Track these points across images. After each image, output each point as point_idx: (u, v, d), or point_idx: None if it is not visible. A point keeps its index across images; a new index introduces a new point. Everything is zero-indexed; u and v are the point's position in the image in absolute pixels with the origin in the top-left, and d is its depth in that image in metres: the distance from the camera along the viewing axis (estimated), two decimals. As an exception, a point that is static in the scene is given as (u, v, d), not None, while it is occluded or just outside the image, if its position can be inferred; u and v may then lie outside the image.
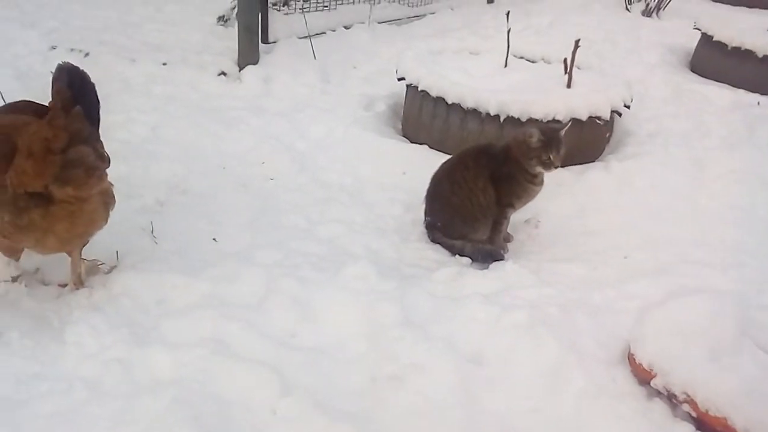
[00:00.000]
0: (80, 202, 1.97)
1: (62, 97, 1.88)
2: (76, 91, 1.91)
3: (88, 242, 2.20)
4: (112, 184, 2.17)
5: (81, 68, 1.98)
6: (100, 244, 2.39)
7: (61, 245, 2.08)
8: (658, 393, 1.73)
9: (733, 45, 4.62)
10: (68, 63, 1.96)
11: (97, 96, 2.04)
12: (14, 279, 2.19)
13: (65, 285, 2.23)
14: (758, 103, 4.20)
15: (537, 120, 3.18)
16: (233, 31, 4.63)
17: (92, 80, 2.03)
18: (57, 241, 2.03)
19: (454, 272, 2.47)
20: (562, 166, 3.03)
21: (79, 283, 2.22)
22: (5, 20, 5.05)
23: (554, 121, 3.16)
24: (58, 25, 5.09)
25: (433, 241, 2.81)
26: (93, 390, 1.78)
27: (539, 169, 2.63)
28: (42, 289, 2.23)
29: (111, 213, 2.18)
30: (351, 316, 2.11)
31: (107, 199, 2.12)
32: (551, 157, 2.59)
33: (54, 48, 4.55)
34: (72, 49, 4.51)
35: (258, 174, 3.28)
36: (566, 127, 2.66)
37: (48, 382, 1.80)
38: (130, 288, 2.20)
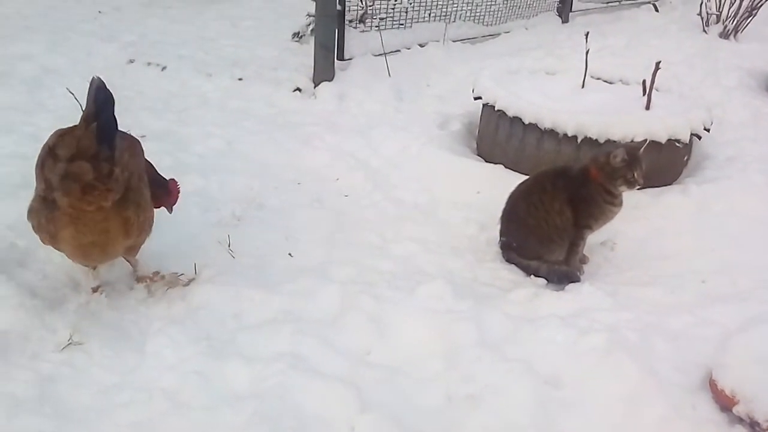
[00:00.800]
0: (84, 213, 1.97)
1: (87, 112, 1.91)
2: (99, 107, 1.90)
3: (134, 252, 2.27)
4: (143, 206, 2.14)
5: (106, 86, 1.94)
6: (178, 257, 2.52)
7: (76, 253, 2.10)
8: (740, 420, 1.73)
9: (815, 68, 4.50)
10: (99, 79, 1.94)
11: (114, 118, 1.95)
12: (94, 290, 2.27)
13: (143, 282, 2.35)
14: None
15: (615, 141, 3.20)
16: (308, 47, 4.77)
17: (113, 102, 1.95)
18: (70, 248, 2.07)
19: (530, 293, 2.50)
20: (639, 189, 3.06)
21: (142, 279, 2.34)
22: (85, 34, 5.33)
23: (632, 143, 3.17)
24: (136, 39, 5.33)
25: (508, 261, 2.85)
26: (172, 401, 1.83)
27: (623, 188, 2.66)
28: (122, 300, 2.30)
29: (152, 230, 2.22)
30: (426, 335, 2.14)
31: (130, 215, 2.07)
32: (635, 175, 2.62)
33: (132, 61, 4.78)
34: (149, 63, 4.74)
35: (332, 190, 3.37)
36: (645, 146, 2.69)
37: (128, 392, 1.86)
38: (207, 301, 2.28)
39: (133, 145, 2.20)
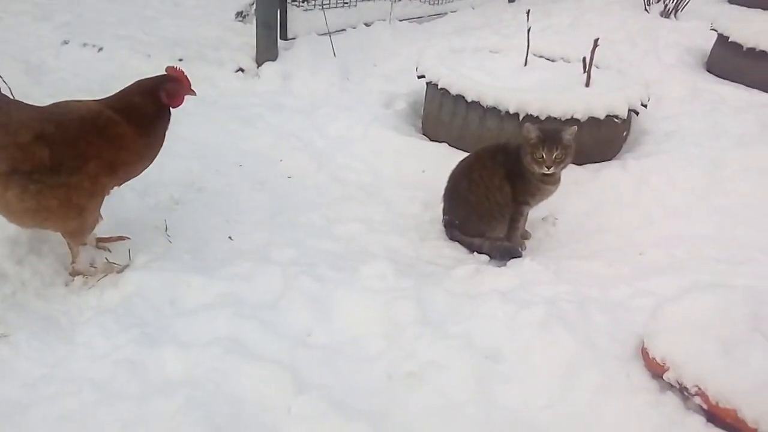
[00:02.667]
0: None
1: None
2: None
3: (77, 233, 2.21)
4: (33, 193, 2.02)
5: None
6: (113, 243, 2.45)
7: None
8: (671, 386, 1.77)
9: (749, 46, 4.62)
10: None
11: None
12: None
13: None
14: (772, 102, 4.22)
15: (556, 118, 3.23)
16: (251, 27, 4.67)
17: None
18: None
19: (472, 270, 2.51)
20: (577, 164, 3.10)
21: (76, 274, 2.27)
22: (18, 13, 5.11)
23: (572, 119, 3.20)
24: (72, 19, 5.13)
25: (452, 239, 2.86)
26: (102, 391, 1.78)
27: (534, 167, 2.62)
28: (52, 289, 2.22)
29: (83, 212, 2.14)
30: (368, 315, 2.13)
31: (9, 197, 1.99)
32: (544, 155, 2.58)
33: (66, 42, 4.60)
34: (85, 44, 4.57)
35: (276, 172, 3.33)
36: (570, 131, 2.62)
37: (56, 384, 1.80)
38: (142, 288, 2.20)
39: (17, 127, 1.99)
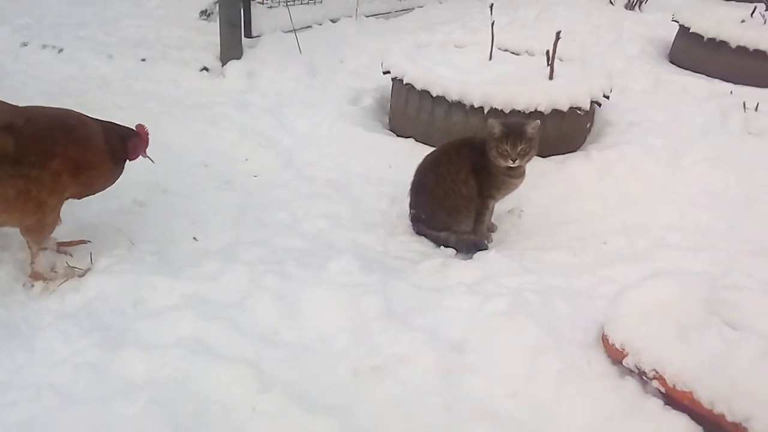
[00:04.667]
0: None
1: None
2: None
3: (36, 231, 2.21)
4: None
5: None
6: (74, 248, 2.43)
7: None
8: (630, 371, 1.79)
9: (709, 36, 4.72)
10: None
11: None
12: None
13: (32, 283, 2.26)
14: (731, 92, 4.30)
15: (520, 111, 3.26)
16: (215, 25, 4.63)
17: None
18: None
19: (439, 263, 2.52)
20: (542, 156, 3.14)
21: (36, 276, 2.25)
22: (-26, 17, 5.03)
23: (536, 112, 3.24)
24: (31, 22, 5.08)
25: (418, 233, 2.87)
26: (63, 396, 1.74)
27: (499, 160, 2.64)
28: (11, 296, 2.20)
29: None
30: (334, 311, 2.12)
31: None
32: (508, 149, 2.60)
33: (25, 45, 4.55)
34: (45, 46, 4.52)
35: (242, 171, 3.31)
36: (533, 124, 2.63)
37: (14, 391, 1.77)
38: (104, 291, 2.18)
39: None
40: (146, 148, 2.48)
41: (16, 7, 5.43)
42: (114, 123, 2.42)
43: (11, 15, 5.15)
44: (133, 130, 2.44)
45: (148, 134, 2.47)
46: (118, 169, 2.41)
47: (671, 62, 5.14)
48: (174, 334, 1.99)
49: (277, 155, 3.45)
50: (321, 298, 2.18)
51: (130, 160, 2.45)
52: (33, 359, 1.89)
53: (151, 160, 2.52)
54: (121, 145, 2.38)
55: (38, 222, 2.18)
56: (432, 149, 3.01)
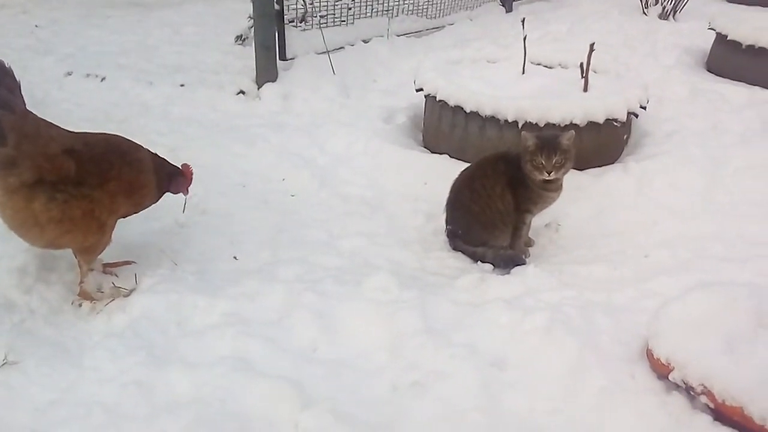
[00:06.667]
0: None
1: None
2: None
3: (92, 250, 2.30)
4: (60, 203, 2.12)
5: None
6: (119, 268, 2.50)
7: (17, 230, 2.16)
8: (677, 386, 1.76)
9: (748, 43, 4.62)
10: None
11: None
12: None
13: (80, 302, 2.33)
14: (772, 98, 4.20)
15: (554, 124, 3.24)
16: (251, 50, 4.71)
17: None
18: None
19: (476, 279, 2.51)
20: (579, 169, 3.11)
21: (84, 295, 2.32)
22: (21, 48, 5.24)
23: (571, 125, 3.21)
24: (75, 51, 5.25)
25: (455, 249, 2.87)
26: (111, 414, 1.79)
27: (535, 173, 2.63)
28: (60, 316, 2.26)
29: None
30: (372, 327, 2.14)
31: (36, 206, 2.08)
32: (543, 162, 2.59)
33: (70, 74, 4.70)
34: (88, 74, 4.67)
35: (279, 190, 3.35)
36: (568, 135, 2.63)
37: (66, 409, 1.82)
38: (149, 310, 2.23)
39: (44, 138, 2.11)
40: (188, 186, 2.63)
41: (60, 38, 5.61)
42: (165, 159, 2.55)
43: (56, 45, 5.33)
44: (179, 168, 2.58)
45: (192, 174, 2.62)
46: (157, 197, 2.54)
47: (709, 71, 5.05)
48: (216, 353, 2.04)
49: (313, 174, 3.48)
50: (359, 314, 2.20)
51: (172, 193, 2.61)
52: (82, 377, 1.95)
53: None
54: (167, 179, 2.53)
55: (97, 242, 2.28)
56: (467, 165, 3.01)
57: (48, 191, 2.09)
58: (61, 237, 2.18)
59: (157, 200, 2.54)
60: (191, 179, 2.62)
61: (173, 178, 2.56)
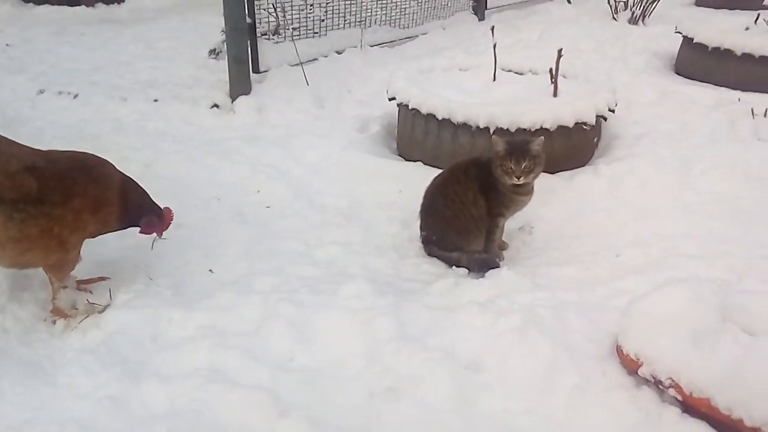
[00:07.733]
0: None
1: None
2: None
3: (59, 268, 2.27)
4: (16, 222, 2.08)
5: None
6: (93, 285, 2.47)
7: None
8: (646, 381, 1.79)
9: (713, 45, 4.74)
10: None
11: None
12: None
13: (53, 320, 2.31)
14: (739, 99, 4.29)
15: (525, 129, 3.28)
16: (224, 63, 4.70)
17: None
18: None
19: (451, 283, 2.53)
20: (551, 172, 3.15)
21: (58, 312, 2.30)
22: (-9, 68, 5.17)
23: (542, 129, 3.26)
24: (47, 69, 5.20)
25: (430, 254, 2.88)
26: (86, 430, 1.78)
27: (505, 178, 2.66)
28: (34, 334, 2.25)
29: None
30: (348, 335, 2.14)
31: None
32: (512, 167, 2.62)
33: (42, 92, 4.66)
34: (60, 92, 4.63)
35: (254, 203, 3.35)
36: (538, 141, 2.66)
37: (40, 427, 1.80)
38: (124, 326, 2.21)
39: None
40: (163, 230, 2.55)
41: (32, 56, 5.57)
42: (145, 192, 2.48)
43: (28, 64, 5.28)
44: (159, 208, 2.51)
45: (171, 219, 2.54)
46: (117, 224, 2.43)
47: (677, 74, 5.15)
48: (191, 365, 2.03)
49: (288, 186, 3.49)
50: (334, 323, 2.20)
51: (141, 232, 2.51)
52: (57, 395, 1.93)
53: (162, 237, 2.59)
54: (136, 210, 2.43)
55: (61, 259, 2.24)
56: (440, 171, 3.04)
57: (7, 210, 2.04)
58: (21, 256, 2.14)
59: (117, 229, 2.45)
60: (168, 224, 2.54)
61: (146, 213, 2.47)
